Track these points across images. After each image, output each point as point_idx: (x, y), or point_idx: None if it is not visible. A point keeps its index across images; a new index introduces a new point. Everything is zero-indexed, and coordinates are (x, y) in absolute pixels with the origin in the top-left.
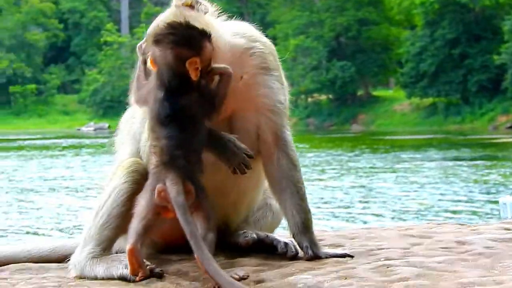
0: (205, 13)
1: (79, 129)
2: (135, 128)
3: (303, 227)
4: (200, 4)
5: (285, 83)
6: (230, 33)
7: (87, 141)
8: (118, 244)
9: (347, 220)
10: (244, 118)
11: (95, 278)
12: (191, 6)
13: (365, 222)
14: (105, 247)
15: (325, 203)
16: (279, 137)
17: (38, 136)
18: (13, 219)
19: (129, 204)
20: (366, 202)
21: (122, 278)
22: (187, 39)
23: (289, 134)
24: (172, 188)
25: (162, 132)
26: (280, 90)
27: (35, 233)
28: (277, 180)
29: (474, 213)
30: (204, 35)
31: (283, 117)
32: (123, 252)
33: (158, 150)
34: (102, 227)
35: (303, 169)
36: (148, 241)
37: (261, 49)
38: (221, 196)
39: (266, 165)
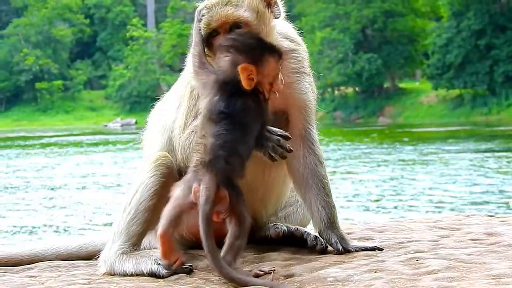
0: (277, 17)
1: (106, 125)
2: (166, 120)
3: (330, 222)
4: (277, 6)
5: (314, 86)
6: (276, 33)
7: (113, 137)
8: (148, 239)
9: (377, 212)
10: (277, 114)
11: (125, 274)
12: (269, 4)
13: (400, 216)
14: (134, 243)
15: (356, 195)
16: (306, 134)
17: (65, 132)
18: (44, 216)
19: (157, 198)
20: (398, 194)
21: (152, 274)
22: (246, 48)
23: (315, 133)
24: (203, 193)
25: (211, 130)
26: (311, 93)
27: (65, 230)
28: (303, 176)
29: (504, 204)
30: (267, 49)
31: (311, 117)
32: (152, 248)
33: (203, 147)
34: (130, 222)
35: (331, 163)
36: (178, 237)
37: (300, 53)
38: (249, 191)
39: (293, 161)
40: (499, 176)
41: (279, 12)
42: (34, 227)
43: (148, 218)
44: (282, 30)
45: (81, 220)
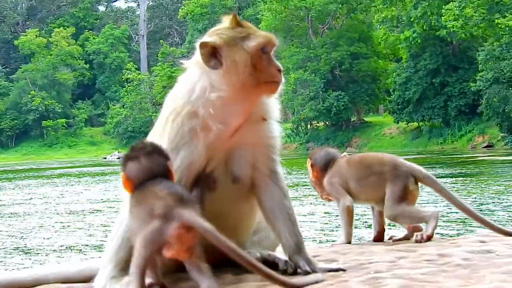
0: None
1: (105, 158)
2: None
3: (297, 248)
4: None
5: (279, 126)
6: None
7: (112, 168)
8: None
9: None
10: (246, 151)
11: None
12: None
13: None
14: (122, 268)
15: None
16: (273, 171)
17: (69, 165)
18: (53, 238)
19: None
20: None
21: None
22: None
23: (280, 168)
24: (198, 220)
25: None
26: (278, 135)
27: (75, 250)
28: (271, 209)
29: (456, 224)
30: None
31: (276, 155)
32: None
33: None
34: (118, 249)
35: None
36: (160, 262)
37: (274, 100)
38: (221, 220)
39: (261, 195)
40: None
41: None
42: (49, 247)
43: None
44: None
45: (89, 240)
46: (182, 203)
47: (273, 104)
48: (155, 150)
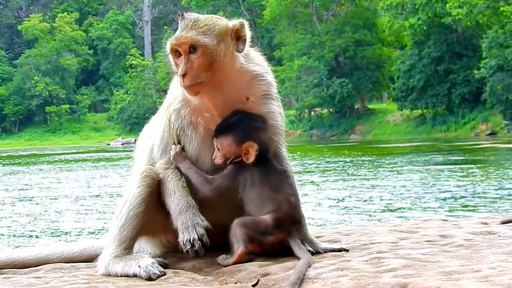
0: (239, 51)
1: (108, 144)
2: (151, 144)
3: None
4: (243, 41)
5: (282, 110)
6: (246, 59)
7: (115, 154)
8: (139, 244)
9: (347, 215)
10: None
11: (116, 275)
12: (238, 31)
13: (372, 216)
14: (126, 247)
15: (336, 199)
16: (276, 153)
17: (73, 151)
18: (67, 221)
19: (144, 205)
20: (364, 200)
21: (136, 276)
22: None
23: (285, 150)
24: None
25: None
26: (279, 115)
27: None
28: None
29: (458, 209)
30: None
31: (280, 136)
32: (142, 252)
33: None
34: (122, 228)
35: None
36: (165, 242)
37: (269, 79)
38: (225, 204)
39: None
40: (457, 183)
41: (243, 48)
42: (58, 230)
43: (138, 224)
44: (252, 57)
45: (92, 223)
46: None
47: (261, 82)
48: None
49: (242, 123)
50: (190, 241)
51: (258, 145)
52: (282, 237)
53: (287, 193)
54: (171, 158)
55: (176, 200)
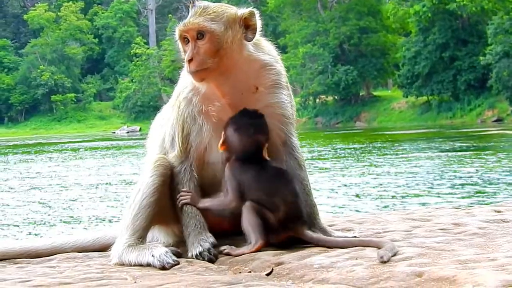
0: (248, 39)
1: (114, 132)
2: (162, 133)
3: (312, 218)
4: (253, 30)
5: (293, 99)
6: (255, 48)
7: (121, 143)
8: (152, 233)
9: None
10: None
11: (130, 265)
12: (247, 20)
13: (387, 206)
14: (140, 236)
15: (346, 186)
16: (287, 142)
17: (78, 139)
18: (76, 209)
19: (157, 194)
20: (373, 187)
21: (149, 265)
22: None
23: (295, 139)
24: None
25: None
26: (289, 104)
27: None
28: None
29: (470, 196)
30: None
31: (290, 126)
32: (155, 241)
33: None
34: (135, 217)
35: (315, 162)
36: (178, 231)
37: (278, 68)
38: None
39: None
40: (462, 170)
41: (252, 36)
42: (72, 218)
43: (151, 213)
44: (262, 46)
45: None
46: None
47: (270, 71)
48: None
49: (253, 121)
50: (199, 254)
51: (261, 144)
52: (287, 235)
53: (284, 194)
54: (190, 201)
55: (187, 218)
